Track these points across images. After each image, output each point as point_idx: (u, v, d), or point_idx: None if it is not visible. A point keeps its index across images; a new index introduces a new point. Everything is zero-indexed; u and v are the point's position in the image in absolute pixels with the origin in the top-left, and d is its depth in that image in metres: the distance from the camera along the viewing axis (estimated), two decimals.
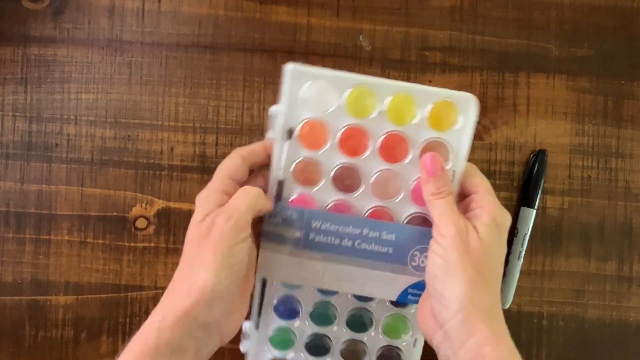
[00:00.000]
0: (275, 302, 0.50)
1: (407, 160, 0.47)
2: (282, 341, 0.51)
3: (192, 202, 0.55)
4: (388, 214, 0.47)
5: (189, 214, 0.55)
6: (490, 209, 0.44)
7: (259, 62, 0.55)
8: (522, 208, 0.55)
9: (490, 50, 0.56)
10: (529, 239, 0.55)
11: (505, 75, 0.56)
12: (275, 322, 0.51)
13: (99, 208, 0.55)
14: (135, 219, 0.55)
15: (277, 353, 0.51)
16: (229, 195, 0.44)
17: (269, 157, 0.47)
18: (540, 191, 0.55)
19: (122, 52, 0.55)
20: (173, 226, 0.55)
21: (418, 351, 0.51)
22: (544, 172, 0.55)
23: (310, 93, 0.46)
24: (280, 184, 0.47)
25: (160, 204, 0.55)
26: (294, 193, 0.47)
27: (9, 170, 0.55)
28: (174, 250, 0.55)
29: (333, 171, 0.47)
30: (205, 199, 0.45)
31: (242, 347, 0.51)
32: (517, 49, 0.56)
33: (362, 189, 0.47)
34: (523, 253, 0.55)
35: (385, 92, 0.45)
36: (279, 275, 0.48)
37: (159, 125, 0.55)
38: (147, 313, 0.55)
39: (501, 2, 0.56)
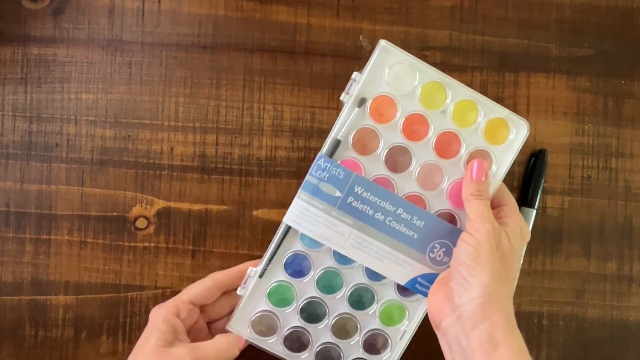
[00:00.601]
0: (287, 258, 0.51)
1: (455, 159, 0.50)
2: (280, 300, 0.51)
3: (192, 201, 0.55)
4: (423, 202, 0.51)
5: (189, 214, 0.55)
6: (518, 221, 0.48)
7: (259, 62, 0.55)
8: (522, 208, 0.55)
9: (490, 50, 0.56)
10: (530, 239, 0.55)
11: (505, 75, 0.56)
12: (279, 277, 0.51)
13: (99, 208, 0.55)
14: (135, 218, 0.55)
15: (271, 307, 0.51)
16: (181, 318, 0.48)
17: (240, 280, 0.51)
18: (540, 191, 0.55)
19: (122, 52, 0.55)
20: (173, 226, 0.55)
21: (404, 344, 0.52)
22: (544, 172, 0.55)
23: (393, 72, 0.50)
24: (337, 143, 0.50)
25: (160, 203, 0.55)
26: (346, 156, 0.50)
27: (9, 170, 0.55)
28: (174, 250, 0.55)
29: (389, 147, 0.50)
30: (161, 322, 0.47)
31: (239, 291, 0.51)
32: (517, 49, 0.56)
33: (408, 171, 0.51)
34: (523, 253, 0.55)
35: (457, 94, 0.50)
36: (306, 228, 0.50)
37: (159, 125, 0.55)
38: (147, 313, 0.54)
39: (501, 2, 0.56)
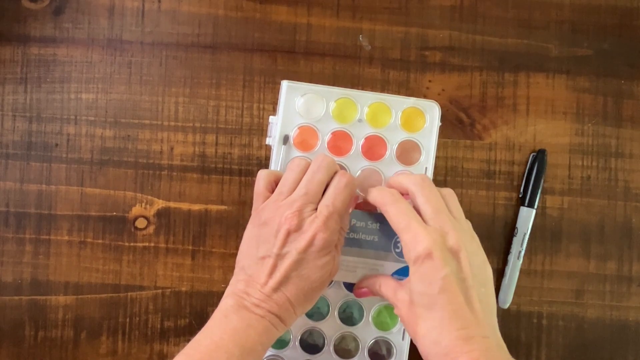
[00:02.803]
0: None
1: (385, 158, 0.53)
2: (278, 342, 0.52)
3: (192, 202, 0.55)
4: (373, 206, 0.51)
5: (188, 214, 0.55)
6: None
7: (259, 62, 0.55)
8: (522, 208, 0.55)
9: (490, 50, 0.56)
10: (529, 239, 0.55)
11: (505, 75, 0.56)
12: None
13: (99, 208, 0.55)
14: (135, 218, 0.55)
15: (273, 351, 0.52)
16: None
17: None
18: (540, 191, 0.55)
19: (122, 52, 0.55)
20: (173, 226, 0.55)
21: (407, 343, 0.53)
22: (544, 172, 0.55)
23: (303, 104, 0.52)
24: None
25: (160, 203, 0.55)
26: None
27: (9, 170, 0.55)
28: (174, 250, 0.55)
29: None
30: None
31: None
32: (517, 49, 0.56)
33: None
34: (523, 253, 0.55)
35: (364, 102, 0.53)
36: None
37: (159, 125, 0.55)
38: (147, 313, 0.55)
39: (501, 1, 0.56)
